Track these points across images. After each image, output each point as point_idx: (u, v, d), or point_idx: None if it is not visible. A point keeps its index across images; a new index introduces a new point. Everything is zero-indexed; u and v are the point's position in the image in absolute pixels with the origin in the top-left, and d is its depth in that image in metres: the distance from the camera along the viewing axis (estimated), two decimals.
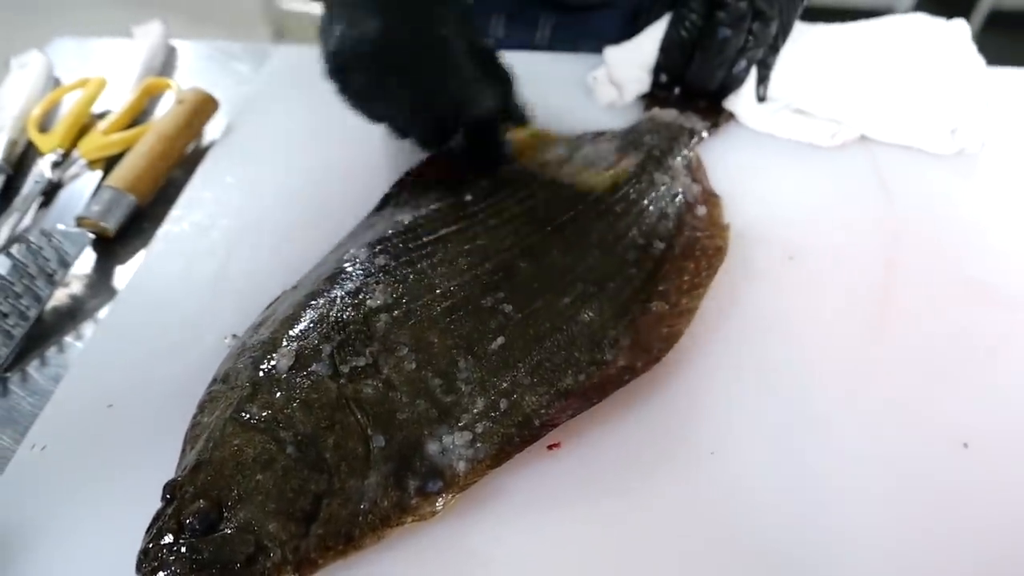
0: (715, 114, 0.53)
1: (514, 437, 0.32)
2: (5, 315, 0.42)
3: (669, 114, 0.51)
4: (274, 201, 0.50)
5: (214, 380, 0.36)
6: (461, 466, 0.31)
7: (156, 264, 0.46)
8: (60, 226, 0.47)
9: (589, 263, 0.39)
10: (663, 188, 0.45)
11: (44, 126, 0.58)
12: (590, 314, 0.37)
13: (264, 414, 0.32)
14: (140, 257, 0.47)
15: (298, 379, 0.33)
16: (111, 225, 0.48)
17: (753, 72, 0.52)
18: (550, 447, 0.34)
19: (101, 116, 0.58)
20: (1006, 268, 0.42)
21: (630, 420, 0.35)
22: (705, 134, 0.51)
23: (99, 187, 0.51)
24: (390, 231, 0.41)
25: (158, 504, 0.30)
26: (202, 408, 0.34)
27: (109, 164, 0.53)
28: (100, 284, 0.47)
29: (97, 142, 0.54)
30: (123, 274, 0.47)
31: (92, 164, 0.54)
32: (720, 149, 0.51)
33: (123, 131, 0.56)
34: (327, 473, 0.30)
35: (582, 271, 0.39)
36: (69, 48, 0.69)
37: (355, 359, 0.34)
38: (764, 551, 0.31)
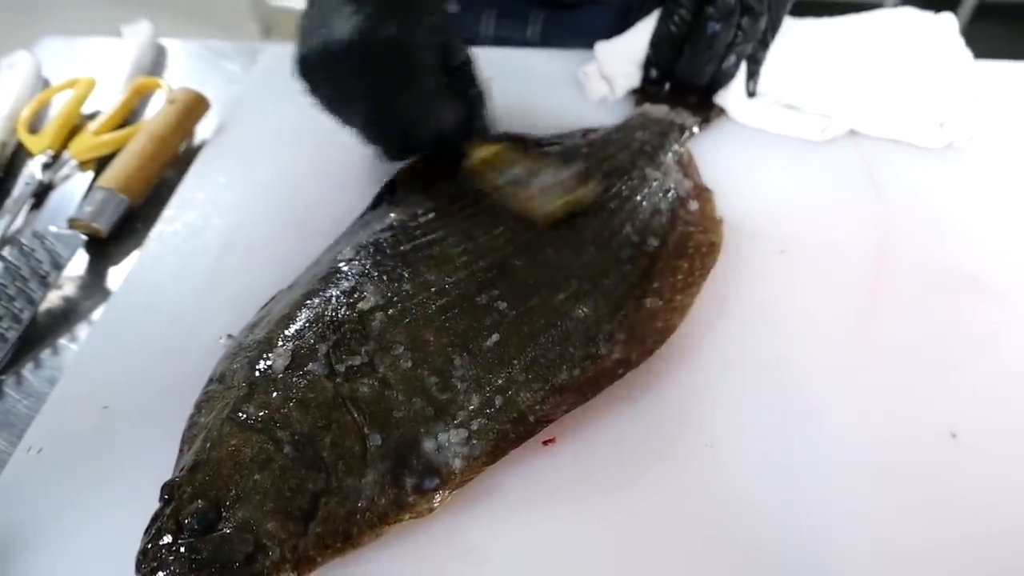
0: (705, 110, 0.53)
1: (509, 433, 0.33)
2: None
3: (660, 110, 0.52)
4: (267, 200, 0.50)
5: (210, 380, 0.36)
6: (457, 463, 0.32)
7: (150, 265, 0.46)
8: (52, 228, 0.47)
9: (584, 260, 0.39)
10: (655, 184, 0.45)
11: (34, 127, 0.57)
12: (585, 310, 0.37)
13: (261, 414, 0.32)
14: (133, 258, 0.47)
15: (294, 379, 0.33)
16: (104, 226, 0.48)
17: (743, 67, 0.52)
18: (545, 443, 0.34)
19: (91, 116, 0.58)
20: (994, 260, 0.43)
21: (624, 415, 0.35)
22: (696, 130, 0.52)
23: (91, 188, 0.51)
24: (384, 229, 0.41)
25: (156, 505, 0.30)
26: (199, 408, 0.34)
27: (100, 165, 0.53)
28: (93, 285, 0.47)
29: (88, 143, 0.54)
30: (116, 275, 0.47)
31: (83, 165, 0.54)
32: (711, 144, 0.52)
33: (114, 131, 0.55)
34: (324, 472, 0.31)
35: (576, 268, 0.39)
36: (57, 48, 0.68)
37: (351, 358, 0.34)
38: (758, 543, 0.31)
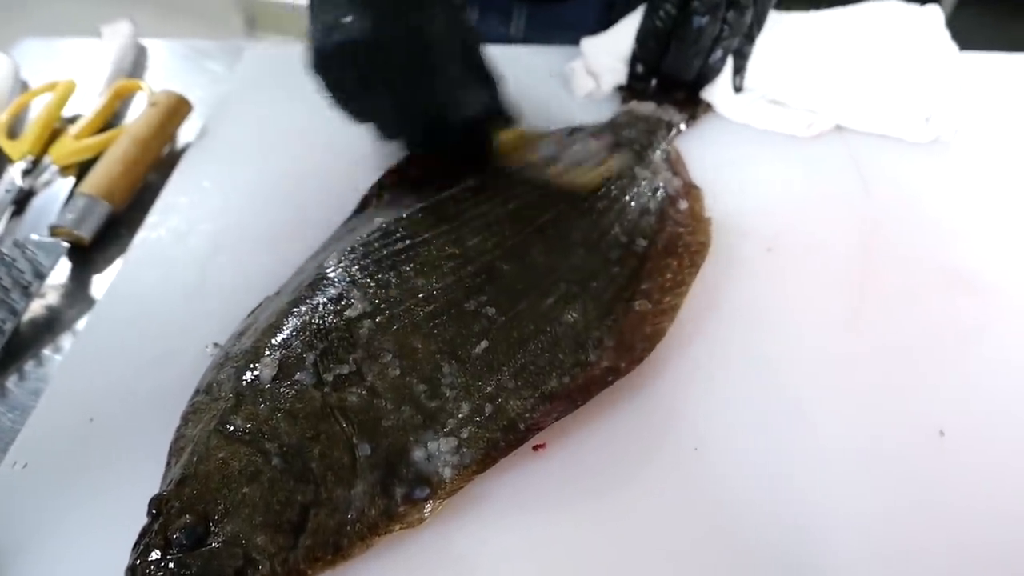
0: (692, 106, 0.53)
1: (499, 442, 0.32)
2: None
3: (647, 107, 0.51)
4: (253, 204, 0.49)
5: (197, 391, 0.35)
6: (447, 472, 0.31)
7: (134, 272, 0.45)
8: (34, 236, 0.47)
9: (572, 262, 0.39)
10: (644, 183, 0.45)
11: (13, 132, 0.57)
12: (574, 315, 0.37)
13: (248, 426, 0.32)
14: (117, 265, 0.47)
15: (282, 389, 0.33)
16: (86, 233, 0.48)
17: (729, 62, 0.52)
18: (535, 448, 0.34)
19: (72, 120, 0.57)
20: (980, 255, 0.43)
21: (613, 418, 0.35)
22: (683, 126, 0.51)
23: (72, 194, 0.50)
24: (371, 234, 0.40)
25: (144, 519, 0.30)
26: (186, 420, 0.34)
27: (82, 170, 0.52)
28: (77, 294, 0.46)
29: (69, 147, 0.53)
30: (100, 283, 0.47)
31: (64, 170, 0.53)
32: (698, 141, 0.51)
33: (95, 135, 0.55)
34: (313, 483, 0.31)
35: (565, 271, 0.39)
36: (36, 49, 0.67)
37: (339, 367, 0.34)
38: (747, 546, 0.31)
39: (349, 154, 0.51)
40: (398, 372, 0.34)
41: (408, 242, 0.39)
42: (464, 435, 0.32)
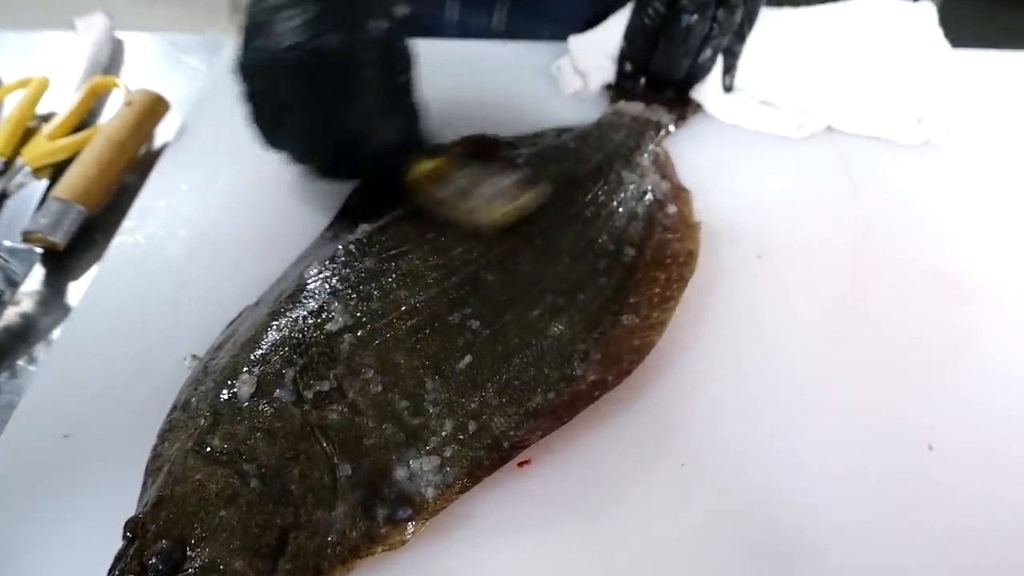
0: (682, 105, 0.52)
1: (483, 460, 0.32)
2: None
3: (635, 107, 0.51)
4: (233, 207, 0.48)
5: (174, 407, 0.34)
6: (430, 492, 0.31)
7: (110, 279, 0.44)
8: (6, 242, 0.45)
9: (559, 272, 0.38)
10: (632, 187, 0.44)
11: None
12: (560, 327, 0.36)
13: (226, 446, 0.31)
14: (93, 272, 0.45)
15: (260, 407, 0.32)
16: (60, 239, 0.46)
17: (719, 61, 0.51)
18: (521, 464, 0.34)
19: (45, 118, 0.55)
20: (971, 260, 0.43)
21: (601, 433, 0.35)
22: (672, 127, 0.51)
23: (46, 197, 0.48)
24: (352, 242, 0.39)
25: (120, 542, 0.29)
26: (163, 438, 0.33)
27: (56, 172, 0.51)
28: (52, 302, 0.45)
29: (42, 148, 0.52)
30: (76, 290, 0.45)
31: (37, 172, 0.51)
32: (687, 142, 0.51)
33: (69, 136, 0.53)
34: (293, 506, 0.30)
35: (551, 281, 0.38)
36: (8, 43, 0.65)
37: (319, 383, 0.33)
38: (737, 560, 0.31)
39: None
40: (380, 388, 0.33)
41: (390, 251, 0.39)
42: (447, 454, 0.32)
